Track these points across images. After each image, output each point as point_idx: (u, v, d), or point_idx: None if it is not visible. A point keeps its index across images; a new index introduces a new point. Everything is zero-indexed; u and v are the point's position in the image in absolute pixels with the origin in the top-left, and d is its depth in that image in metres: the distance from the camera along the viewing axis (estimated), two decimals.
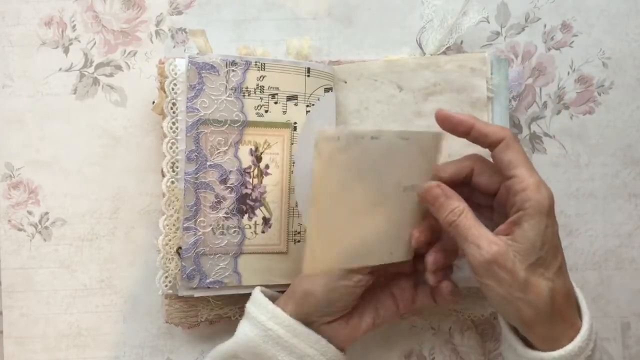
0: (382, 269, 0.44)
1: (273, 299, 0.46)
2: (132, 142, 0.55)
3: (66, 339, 0.55)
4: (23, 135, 0.55)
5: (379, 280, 0.48)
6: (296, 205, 0.51)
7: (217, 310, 0.52)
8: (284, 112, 0.50)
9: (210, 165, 0.49)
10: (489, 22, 0.56)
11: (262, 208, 0.50)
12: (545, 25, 0.56)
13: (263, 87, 0.50)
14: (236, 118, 0.49)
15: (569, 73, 0.56)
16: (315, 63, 0.52)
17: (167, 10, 0.55)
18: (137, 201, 0.55)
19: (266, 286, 0.49)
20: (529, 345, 0.42)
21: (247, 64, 0.49)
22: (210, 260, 0.49)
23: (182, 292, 0.49)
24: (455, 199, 0.43)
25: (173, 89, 0.49)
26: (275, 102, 0.50)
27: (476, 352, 0.56)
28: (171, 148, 0.49)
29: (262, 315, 0.45)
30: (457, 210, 0.42)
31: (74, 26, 0.55)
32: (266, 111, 0.50)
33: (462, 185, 0.45)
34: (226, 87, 0.49)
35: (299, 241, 0.51)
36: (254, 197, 0.50)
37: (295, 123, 0.51)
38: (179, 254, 0.49)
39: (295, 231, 0.51)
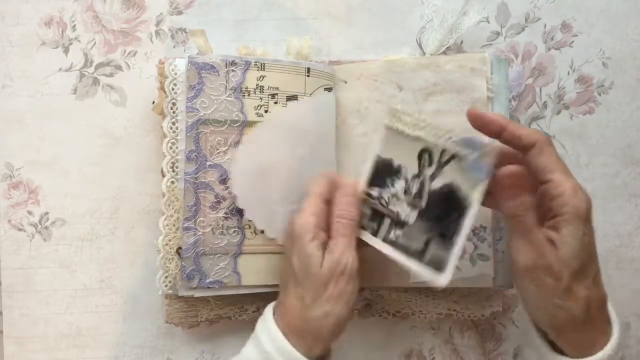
0: None
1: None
2: (132, 142, 0.55)
3: (66, 339, 0.55)
4: (23, 135, 0.55)
5: None
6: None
7: (217, 310, 0.52)
8: None
9: (210, 165, 0.49)
10: (489, 22, 0.56)
11: None
12: (545, 25, 0.56)
13: (263, 87, 0.50)
14: (236, 118, 0.49)
15: (569, 73, 0.56)
16: (315, 63, 0.52)
17: (167, 10, 0.55)
18: (137, 201, 0.55)
19: (266, 286, 0.49)
20: (557, 350, 0.41)
21: (247, 64, 0.49)
22: (210, 260, 0.49)
23: (182, 292, 0.49)
24: (527, 191, 0.41)
25: (173, 89, 0.49)
26: (275, 102, 0.50)
27: (476, 352, 0.56)
28: (171, 148, 0.49)
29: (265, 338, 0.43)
30: (527, 203, 0.40)
31: (74, 26, 0.55)
32: (266, 111, 0.50)
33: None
34: (226, 87, 0.49)
35: None
36: None
37: None
38: (179, 254, 0.49)
39: None
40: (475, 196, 0.41)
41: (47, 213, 0.55)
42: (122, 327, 0.55)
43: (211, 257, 0.49)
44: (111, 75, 0.55)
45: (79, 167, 0.55)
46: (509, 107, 0.52)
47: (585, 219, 0.39)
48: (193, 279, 0.48)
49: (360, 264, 0.43)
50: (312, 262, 0.42)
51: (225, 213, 0.49)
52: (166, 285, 0.49)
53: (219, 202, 0.49)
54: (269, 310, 0.45)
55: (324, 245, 0.43)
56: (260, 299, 0.52)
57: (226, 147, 0.49)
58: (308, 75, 0.51)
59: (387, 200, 0.45)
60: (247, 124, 0.49)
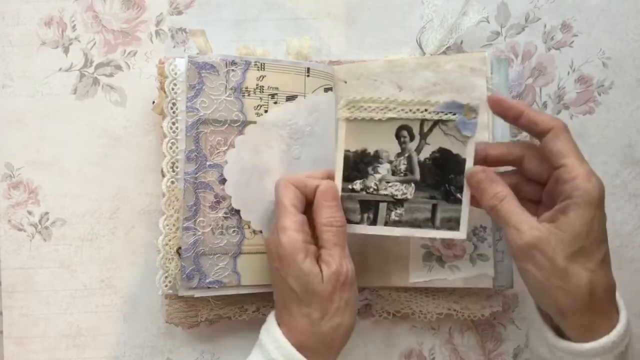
0: None
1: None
2: (132, 142, 0.55)
3: (66, 339, 0.55)
4: (23, 135, 0.55)
5: None
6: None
7: (217, 310, 0.52)
8: None
9: (210, 165, 0.49)
10: (489, 22, 0.56)
11: None
12: (545, 25, 0.56)
13: (263, 87, 0.50)
14: (236, 118, 0.49)
15: (569, 73, 0.56)
16: (315, 63, 0.52)
17: (167, 10, 0.55)
18: (137, 201, 0.55)
19: (266, 286, 0.49)
20: (561, 335, 0.42)
21: (247, 64, 0.49)
22: (210, 260, 0.49)
23: (182, 292, 0.49)
24: (499, 184, 0.43)
25: (173, 89, 0.49)
26: (275, 102, 0.50)
27: (476, 352, 0.56)
28: (171, 148, 0.49)
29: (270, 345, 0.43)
30: (500, 194, 0.42)
31: (74, 26, 0.55)
32: (266, 111, 0.50)
33: (511, 173, 0.46)
34: (226, 87, 0.49)
35: None
36: None
37: None
38: (179, 254, 0.49)
39: None
40: (468, 151, 0.44)
41: (47, 213, 0.55)
42: (122, 327, 0.55)
43: (211, 257, 0.49)
44: (111, 75, 0.55)
45: (79, 167, 0.55)
46: None
47: (597, 204, 0.40)
48: (193, 279, 0.48)
49: (356, 265, 0.44)
50: (312, 280, 0.42)
51: (225, 213, 0.49)
52: (166, 285, 0.49)
53: (218, 202, 0.49)
54: (274, 328, 0.43)
55: (317, 257, 0.43)
56: (260, 299, 0.52)
57: (226, 147, 0.49)
58: (308, 75, 0.51)
59: (375, 187, 0.46)
60: (247, 124, 0.49)
